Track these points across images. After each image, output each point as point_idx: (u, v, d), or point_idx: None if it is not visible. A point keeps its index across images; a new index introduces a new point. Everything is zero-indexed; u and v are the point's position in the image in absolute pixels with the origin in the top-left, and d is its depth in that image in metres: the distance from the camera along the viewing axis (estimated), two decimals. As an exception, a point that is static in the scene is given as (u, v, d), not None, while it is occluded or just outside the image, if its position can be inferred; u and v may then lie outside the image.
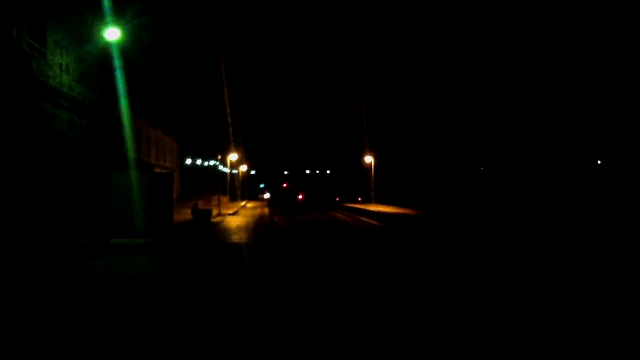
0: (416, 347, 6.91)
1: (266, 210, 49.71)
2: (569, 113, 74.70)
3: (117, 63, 17.84)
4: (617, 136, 65.78)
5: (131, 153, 23.86)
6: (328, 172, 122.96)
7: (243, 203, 62.83)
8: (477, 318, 8.35)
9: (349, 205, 53.31)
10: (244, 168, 77.44)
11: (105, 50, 17.01)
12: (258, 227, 28.07)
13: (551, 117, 77.97)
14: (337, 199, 72.35)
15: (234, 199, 66.05)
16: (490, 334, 7.45)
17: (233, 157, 53.45)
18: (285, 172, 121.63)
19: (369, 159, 50.18)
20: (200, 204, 35.01)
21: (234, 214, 40.66)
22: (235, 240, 20.48)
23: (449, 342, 7.11)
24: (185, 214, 31.33)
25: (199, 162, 77.90)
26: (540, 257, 15.27)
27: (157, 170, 39.52)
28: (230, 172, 66.25)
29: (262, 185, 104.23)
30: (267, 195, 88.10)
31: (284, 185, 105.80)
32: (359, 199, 67.26)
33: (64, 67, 15.48)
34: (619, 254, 15.72)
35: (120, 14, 16.61)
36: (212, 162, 79.85)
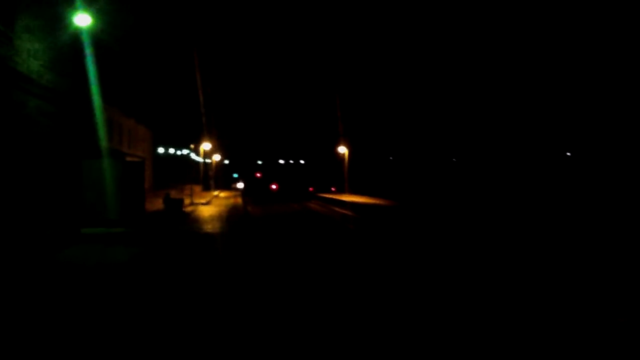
0: (381, 335, 7.04)
1: (240, 200, 49.48)
2: (540, 107, 75.96)
3: (89, 50, 17.53)
4: (586, 130, 67.25)
5: (103, 141, 23.52)
6: (302, 162, 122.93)
7: (216, 193, 62.40)
8: (445, 306, 8.54)
9: (323, 195, 53.37)
10: (217, 157, 76.86)
11: (76, 37, 16.69)
12: (231, 216, 27.98)
13: (522, 110, 79.20)
14: (311, 189, 72.40)
15: (207, 188, 65.55)
16: (457, 322, 7.64)
17: (206, 146, 53.08)
18: (259, 162, 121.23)
19: (342, 150, 50.29)
20: (173, 194, 34.72)
21: (207, 203, 40.41)
22: (207, 230, 20.41)
23: (416, 330, 7.27)
24: (157, 204, 31.04)
25: (172, 151, 77.12)
26: (507, 244, 15.61)
27: (129, 158, 38.97)
28: (204, 162, 65.78)
29: (235, 175, 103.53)
30: (240, 185, 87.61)
31: (258, 175, 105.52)
32: (333, 189, 67.38)
33: (32, 53, 15.14)
34: (581, 238, 16.17)
35: (92, 0, 16.30)
36: (185, 151, 79.17)
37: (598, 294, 9.31)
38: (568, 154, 75.64)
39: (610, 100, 63.45)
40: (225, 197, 54.09)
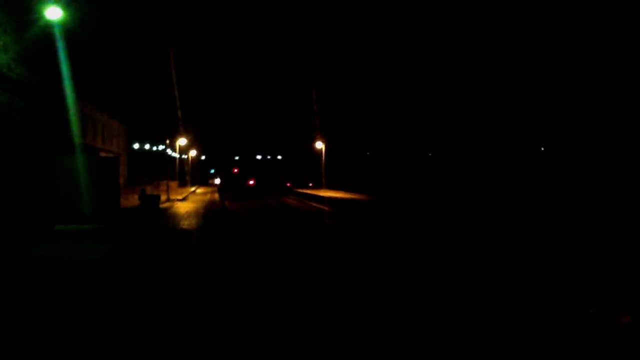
0: (351, 326, 7.08)
1: (216, 195, 49.25)
2: (515, 103, 76.96)
3: (61, 44, 17.20)
4: (560, 126, 68.37)
5: (76, 137, 23.16)
6: (279, 157, 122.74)
7: (193, 188, 61.99)
8: (417, 297, 8.63)
9: (300, 190, 53.45)
10: (193, 153, 76.26)
11: (47, 30, 16.36)
12: (208, 212, 27.82)
13: (497, 106, 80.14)
14: (288, 184, 72.45)
15: (183, 184, 65.09)
16: (429, 311, 7.73)
17: (182, 141, 52.61)
18: (236, 158, 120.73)
19: (319, 145, 50.35)
20: (149, 190, 34.40)
21: (184, 199, 40.11)
22: (184, 226, 20.26)
23: (388, 322, 7.33)
24: (133, 200, 30.71)
25: (147, 146, 76.35)
26: (478, 236, 15.83)
27: (103, 154, 38.50)
28: (180, 157, 65.21)
29: (212, 171, 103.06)
30: (217, 181, 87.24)
31: (235, 170, 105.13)
32: (310, 184, 67.53)
33: (1, 46, 14.81)
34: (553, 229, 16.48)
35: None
36: (161, 147, 78.39)
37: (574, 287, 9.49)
38: (542, 148, 76.80)
39: (581, 98, 64.63)
40: (202, 193, 53.79)
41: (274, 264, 12.07)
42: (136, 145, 70.22)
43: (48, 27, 16.21)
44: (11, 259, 11.63)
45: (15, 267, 10.88)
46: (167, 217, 24.12)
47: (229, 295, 8.79)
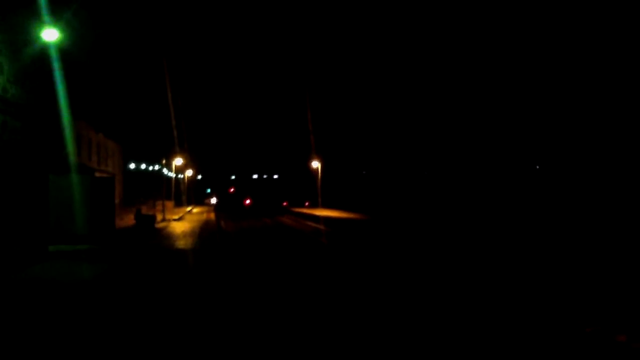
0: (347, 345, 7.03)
1: (212, 215, 49.07)
2: (512, 120, 77.42)
3: (56, 64, 17.26)
4: (556, 143, 68.71)
5: (71, 156, 23.12)
6: (275, 176, 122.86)
7: (189, 208, 61.78)
8: (414, 318, 8.57)
9: (297, 210, 53.30)
10: (189, 173, 76.11)
11: (43, 51, 16.42)
12: (204, 232, 27.70)
13: (495, 125, 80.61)
14: (285, 203, 72.35)
15: (179, 204, 64.87)
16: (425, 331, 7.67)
17: (178, 161, 52.54)
18: (232, 177, 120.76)
19: (315, 164, 50.35)
20: (144, 209, 34.23)
21: (179, 219, 39.96)
22: (180, 246, 20.15)
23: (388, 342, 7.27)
24: (128, 220, 30.56)
25: (143, 166, 76.31)
26: (474, 254, 15.78)
27: (98, 174, 38.40)
28: (176, 177, 65.13)
29: (208, 190, 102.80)
30: (213, 200, 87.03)
31: (231, 190, 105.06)
32: (307, 203, 67.45)
33: (-2, 67, 14.84)
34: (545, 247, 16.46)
35: (59, 13, 16.07)
36: (156, 167, 78.32)
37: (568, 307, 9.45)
38: (537, 167, 77.03)
39: (576, 117, 65.12)
40: (198, 213, 53.59)
41: (271, 285, 11.99)
42: (132, 165, 70.21)
43: (44, 48, 16.28)
44: (2, 281, 11.51)
45: (7, 289, 10.77)
46: (163, 237, 23.99)
47: (224, 319, 8.71)
